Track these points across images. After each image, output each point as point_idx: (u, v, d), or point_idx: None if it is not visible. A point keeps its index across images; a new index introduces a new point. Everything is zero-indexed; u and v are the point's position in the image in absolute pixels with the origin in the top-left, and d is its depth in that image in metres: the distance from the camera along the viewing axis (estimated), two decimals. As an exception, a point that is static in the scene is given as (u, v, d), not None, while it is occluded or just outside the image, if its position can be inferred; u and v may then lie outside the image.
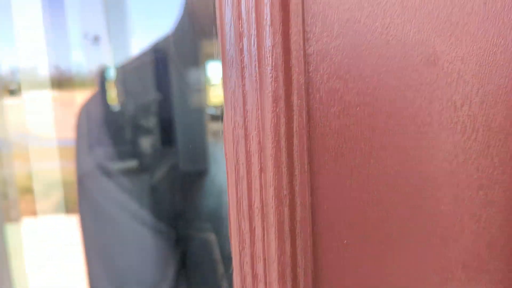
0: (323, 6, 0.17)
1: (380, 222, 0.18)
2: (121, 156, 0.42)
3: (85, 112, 0.44)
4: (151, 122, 0.42)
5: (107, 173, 0.41)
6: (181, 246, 0.43)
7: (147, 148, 0.42)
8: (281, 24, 0.17)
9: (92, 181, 0.42)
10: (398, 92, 0.18)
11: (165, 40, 0.42)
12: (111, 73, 0.46)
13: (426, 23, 0.17)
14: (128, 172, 0.42)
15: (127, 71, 0.44)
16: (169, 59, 0.41)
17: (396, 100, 0.18)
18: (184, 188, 0.43)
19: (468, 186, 0.18)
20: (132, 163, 0.42)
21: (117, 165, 0.42)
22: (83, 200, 0.44)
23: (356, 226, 0.18)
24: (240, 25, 0.17)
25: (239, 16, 0.17)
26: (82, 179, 0.43)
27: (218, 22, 0.17)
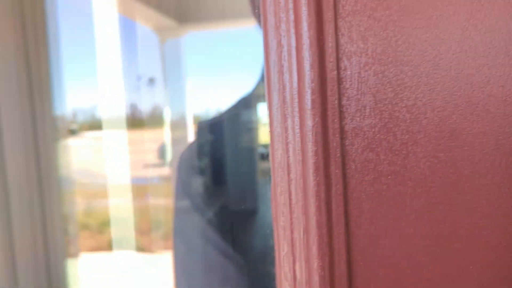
0: (357, 91, 0.20)
1: (413, 279, 0.20)
2: (210, 195, 0.52)
3: (182, 158, 0.56)
4: (233, 167, 0.51)
5: (198, 209, 0.52)
6: (251, 277, 0.49)
7: (228, 188, 0.52)
8: (320, 106, 0.20)
9: (186, 216, 0.54)
10: (427, 162, 0.20)
11: (247, 98, 0.50)
12: (206, 125, 0.56)
13: (448, 103, 0.20)
14: (213, 209, 0.52)
15: (217, 123, 0.55)
16: (245, 114, 0.50)
17: (425, 169, 0.20)
18: (254, 224, 0.49)
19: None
20: (218, 202, 0.52)
21: (207, 203, 0.52)
22: (177, 233, 0.55)
23: (390, 283, 0.20)
24: (286, 110, 0.20)
25: (284, 101, 0.20)
26: (177, 214, 0.55)
27: (268, 108, 0.21)
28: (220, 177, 0.52)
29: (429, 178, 0.20)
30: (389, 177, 0.20)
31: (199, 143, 0.55)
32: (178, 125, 3.53)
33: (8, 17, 1.37)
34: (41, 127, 1.53)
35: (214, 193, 0.52)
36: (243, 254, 0.51)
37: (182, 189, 0.55)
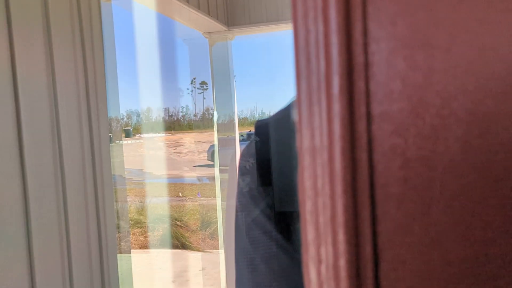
0: (385, 76, 0.20)
1: (440, 266, 0.20)
2: (266, 190, 0.57)
3: (242, 155, 0.62)
4: (287, 163, 0.54)
5: (255, 202, 0.57)
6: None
7: (283, 185, 0.55)
8: (347, 91, 0.20)
9: (245, 209, 0.59)
10: (458, 147, 0.20)
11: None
12: (263, 123, 0.60)
13: (481, 86, 0.19)
14: (269, 202, 0.57)
15: (273, 122, 0.59)
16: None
17: (455, 155, 0.20)
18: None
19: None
20: (273, 195, 0.56)
21: (263, 197, 0.57)
22: (238, 226, 0.59)
23: (418, 270, 0.20)
24: (313, 96, 0.20)
25: (311, 86, 0.21)
26: (238, 207, 0.60)
27: (296, 94, 0.21)
28: (276, 172, 0.55)
29: (460, 163, 0.20)
30: (418, 162, 0.20)
31: (256, 141, 0.59)
32: (226, 127, 3.58)
33: (67, 25, 1.45)
34: (96, 128, 1.61)
35: (270, 188, 0.57)
36: (296, 249, 0.55)
37: (242, 184, 0.60)
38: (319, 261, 0.21)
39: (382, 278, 0.20)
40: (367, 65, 0.20)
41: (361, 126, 0.20)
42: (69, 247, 1.42)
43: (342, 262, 0.20)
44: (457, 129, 0.20)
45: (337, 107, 0.20)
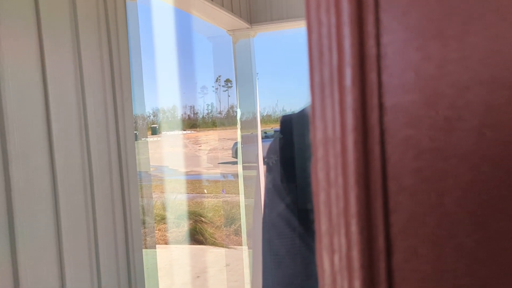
0: (398, 67, 0.20)
1: (453, 257, 0.19)
2: (290, 186, 0.58)
3: (269, 149, 0.63)
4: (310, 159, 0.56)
5: (279, 198, 0.59)
6: None
7: (308, 181, 0.57)
8: (359, 83, 0.20)
9: (269, 199, 0.61)
10: (472, 139, 0.20)
11: None
12: (288, 118, 0.62)
13: (497, 76, 0.19)
14: (295, 195, 0.58)
15: (298, 117, 0.60)
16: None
17: (470, 146, 0.20)
18: None
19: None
20: (297, 189, 0.58)
21: (288, 190, 0.58)
22: (266, 221, 0.61)
23: (431, 262, 0.20)
24: (326, 88, 0.21)
25: (324, 78, 0.21)
26: (264, 203, 0.62)
27: (309, 86, 0.21)
28: (300, 168, 0.56)
29: (474, 155, 0.20)
30: (431, 153, 0.20)
31: (280, 137, 0.60)
32: (249, 124, 3.59)
33: (94, 25, 1.48)
34: (122, 125, 1.64)
35: (293, 184, 0.58)
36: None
37: (267, 180, 0.62)
38: (332, 251, 0.21)
39: (395, 269, 0.20)
40: (379, 56, 0.20)
41: (374, 117, 0.20)
42: (97, 241, 1.46)
43: (355, 253, 0.20)
44: (471, 120, 0.19)
45: (350, 99, 0.21)
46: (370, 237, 0.20)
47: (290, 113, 0.64)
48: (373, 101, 0.20)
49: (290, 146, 0.58)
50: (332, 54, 0.21)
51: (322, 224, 0.21)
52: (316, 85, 0.22)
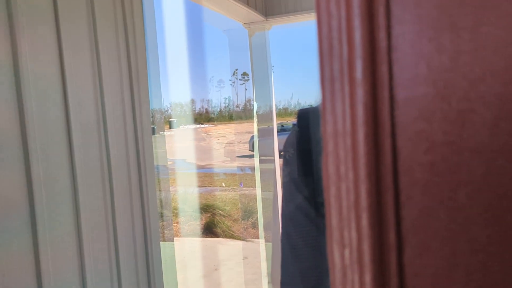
0: (409, 59, 0.20)
1: (466, 252, 0.19)
2: (306, 179, 0.59)
3: (286, 142, 0.64)
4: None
5: (296, 191, 0.60)
6: None
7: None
8: (370, 76, 0.20)
9: (287, 191, 0.62)
10: (485, 131, 0.19)
11: None
12: (305, 111, 0.62)
13: (510, 67, 0.19)
14: (311, 187, 0.59)
15: (314, 111, 0.60)
16: None
17: (483, 139, 0.19)
18: None
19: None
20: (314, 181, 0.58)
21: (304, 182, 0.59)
22: (285, 212, 0.63)
23: (444, 257, 0.20)
24: (336, 81, 0.20)
25: (334, 71, 0.21)
26: (282, 195, 0.63)
27: (320, 80, 0.21)
28: (317, 159, 0.56)
29: (488, 148, 0.19)
30: (444, 147, 0.20)
31: (297, 130, 0.61)
32: (266, 117, 3.58)
33: (111, 20, 1.49)
34: (139, 120, 1.66)
35: (310, 177, 0.58)
36: None
37: (284, 173, 0.62)
38: (343, 245, 0.21)
39: (406, 264, 0.20)
40: (390, 48, 0.20)
41: (385, 111, 0.20)
42: (115, 234, 1.48)
43: (366, 247, 0.20)
44: (485, 112, 0.19)
45: (360, 92, 0.20)
46: (381, 231, 0.20)
47: (307, 107, 0.64)
48: (384, 94, 0.20)
49: (307, 140, 0.58)
50: (343, 47, 0.20)
51: (332, 218, 0.21)
52: (326, 78, 0.21)
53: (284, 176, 0.63)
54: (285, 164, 0.62)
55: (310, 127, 0.59)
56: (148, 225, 1.67)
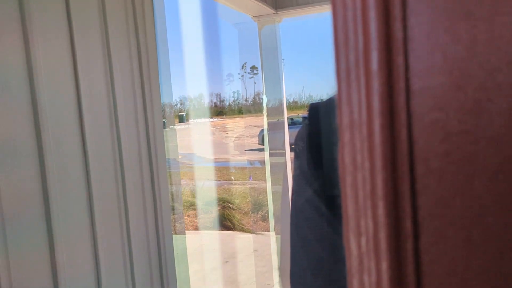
0: (425, 49, 0.20)
1: (482, 241, 0.19)
2: (317, 172, 0.59)
3: (297, 136, 0.64)
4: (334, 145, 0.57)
5: (307, 184, 0.60)
6: None
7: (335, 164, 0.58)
8: (386, 66, 0.20)
9: (297, 184, 0.62)
10: (502, 121, 0.19)
11: None
12: (316, 105, 0.62)
13: (527, 57, 0.19)
14: (321, 184, 0.59)
15: (326, 105, 0.60)
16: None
17: (499, 128, 0.19)
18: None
19: None
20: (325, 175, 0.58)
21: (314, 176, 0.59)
22: (294, 205, 0.63)
23: (460, 245, 0.20)
24: (352, 72, 0.21)
25: (350, 62, 0.21)
26: (292, 188, 0.64)
27: (335, 71, 0.21)
28: (327, 154, 0.57)
29: (504, 137, 0.19)
30: (460, 136, 0.20)
31: (307, 124, 0.61)
32: (276, 110, 3.58)
33: (122, 16, 1.50)
34: (150, 114, 1.67)
35: (321, 170, 0.58)
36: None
37: (294, 166, 0.63)
38: (359, 234, 0.21)
39: (423, 252, 0.20)
40: (406, 39, 0.20)
41: (401, 101, 0.20)
42: (128, 227, 1.50)
43: (382, 235, 0.21)
44: (501, 102, 0.19)
45: (376, 83, 0.21)
46: (397, 219, 0.20)
47: (318, 100, 0.64)
48: (400, 85, 0.20)
49: (317, 133, 0.59)
50: (358, 38, 0.21)
51: (349, 207, 0.22)
52: (342, 69, 0.22)
53: (294, 169, 0.64)
54: (296, 158, 0.63)
55: (321, 121, 0.59)
56: (160, 218, 1.69)
